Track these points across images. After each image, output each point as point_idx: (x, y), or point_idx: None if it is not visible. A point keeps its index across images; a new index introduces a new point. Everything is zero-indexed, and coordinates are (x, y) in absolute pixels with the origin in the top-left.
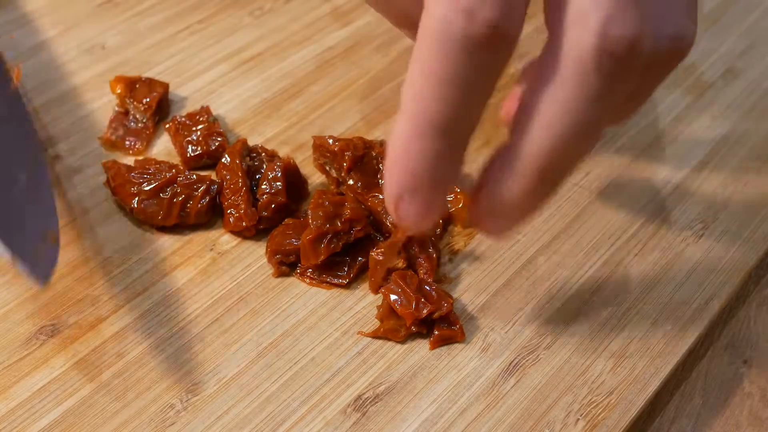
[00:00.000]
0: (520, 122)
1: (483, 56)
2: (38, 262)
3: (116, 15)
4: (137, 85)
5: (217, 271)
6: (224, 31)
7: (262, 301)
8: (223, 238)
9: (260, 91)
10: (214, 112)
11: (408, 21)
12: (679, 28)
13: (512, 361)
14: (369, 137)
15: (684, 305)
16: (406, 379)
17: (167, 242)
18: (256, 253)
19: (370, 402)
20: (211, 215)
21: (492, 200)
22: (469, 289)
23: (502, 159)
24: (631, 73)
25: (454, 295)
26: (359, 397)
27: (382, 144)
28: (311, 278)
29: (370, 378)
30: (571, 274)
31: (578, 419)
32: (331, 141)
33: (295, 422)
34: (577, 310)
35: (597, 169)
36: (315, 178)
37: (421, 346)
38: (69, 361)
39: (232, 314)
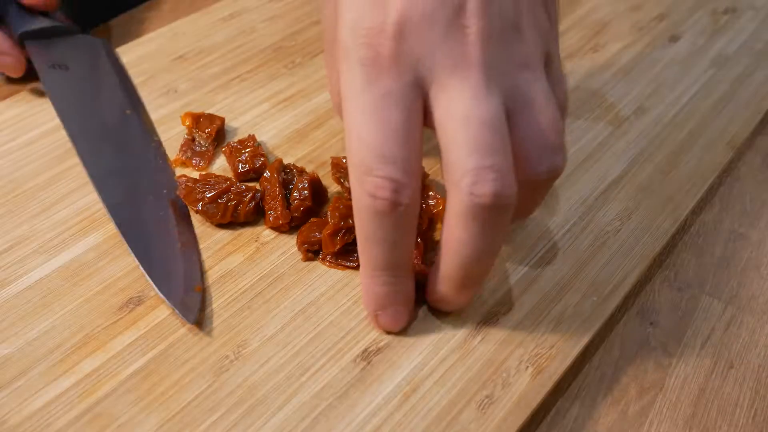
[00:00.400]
0: (442, 251)
1: (390, 219)
2: (188, 306)
3: (186, 67)
4: (201, 119)
5: (260, 257)
6: (266, 79)
7: (294, 279)
8: (265, 233)
9: (292, 123)
10: (258, 139)
11: None
12: (549, 163)
13: (478, 323)
14: None
15: (606, 282)
16: (400, 337)
17: (223, 236)
18: (289, 243)
19: (374, 354)
20: (256, 215)
21: (436, 296)
22: None
23: (436, 271)
24: (502, 210)
25: None
26: (365, 350)
27: None
28: (330, 262)
29: (373, 336)
30: (523, 257)
31: (528, 366)
32: (344, 160)
33: (318, 369)
34: (527, 285)
35: None
36: (333, 188)
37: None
38: (150, 323)
39: (272, 289)
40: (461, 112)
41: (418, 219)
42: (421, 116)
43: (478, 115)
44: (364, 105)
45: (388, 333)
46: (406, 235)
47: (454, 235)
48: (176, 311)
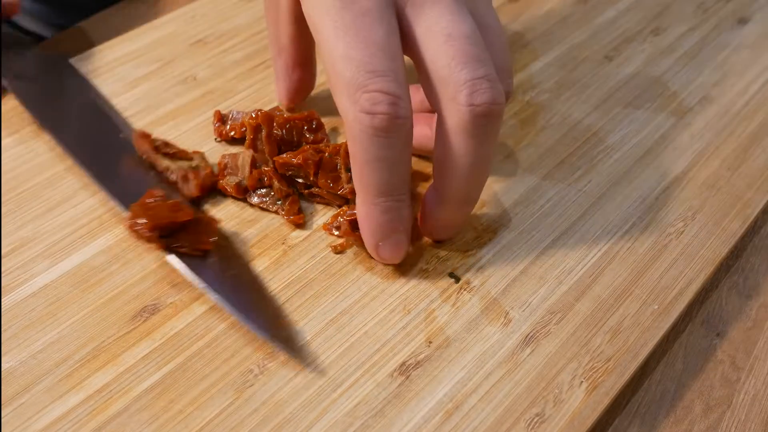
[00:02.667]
0: (439, 172)
1: (390, 135)
2: (286, 340)
3: (205, 52)
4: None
5: (288, 260)
6: None
7: (325, 285)
8: (293, 234)
9: (322, 115)
10: None
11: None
12: (507, 86)
13: (528, 334)
14: None
15: (668, 288)
16: (441, 349)
17: (248, 236)
18: (320, 246)
19: (413, 367)
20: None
21: (434, 222)
22: (493, 276)
23: (434, 196)
24: (498, 117)
25: (480, 281)
26: (403, 363)
27: (327, 143)
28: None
29: (412, 348)
30: (576, 263)
31: (582, 381)
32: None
33: (351, 384)
34: (581, 292)
35: (597, 177)
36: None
37: (456, 323)
38: (167, 334)
39: (300, 296)
40: (444, 30)
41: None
42: (398, 33)
43: (462, 31)
44: (346, 25)
45: (387, 265)
46: (405, 151)
47: (457, 150)
48: (274, 347)
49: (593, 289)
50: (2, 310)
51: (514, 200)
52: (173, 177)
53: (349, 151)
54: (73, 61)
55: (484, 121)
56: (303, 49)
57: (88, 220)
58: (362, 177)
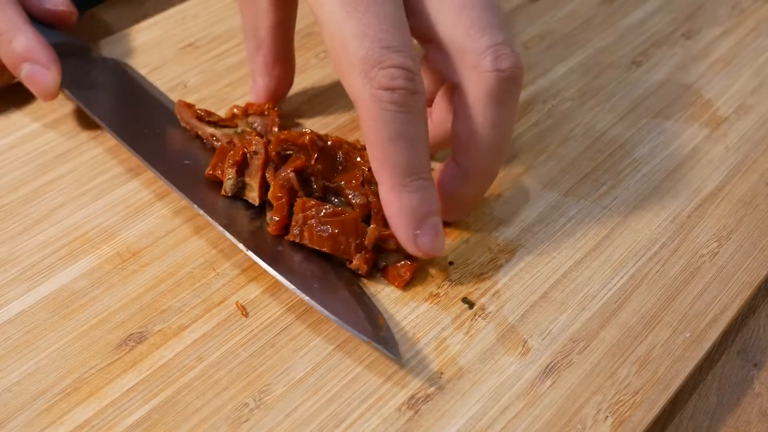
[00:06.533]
0: (463, 148)
1: (410, 111)
2: (387, 341)
3: (197, 57)
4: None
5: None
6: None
7: None
8: None
9: (326, 125)
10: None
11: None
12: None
13: (548, 365)
14: None
15: (701, 315)
16: (454, 380)
17: (241, 259)
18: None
19: (422, 401)
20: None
21: (457, 201)
22: (510, 301)
23: (454, 174)
24: (520, 82)
25: (496, 307)
26: (412, 396)
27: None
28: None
29: (422, 380)
30: (601, 287)
31: (607, 416)
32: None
33: (356, 419)
34: (606, 319)
35: (624, 193)
36: None
37: (469, 353)
38: (155, 365)
39: (300, 323)
40: (457, 0)
41: None
42: (404, 8)
43: (474, 0)
44: (355, 1)
45: (431, 257)
46: (425, 128)
47: (483, 120)
48: (379, 351)
49: (619, 315)
50: None
51: (533, 218)
52: (218, 144)
53: (367, 135)
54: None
55: (510, 86)
56: (284, 41)
57: (69, 240)
58: (385, 158)
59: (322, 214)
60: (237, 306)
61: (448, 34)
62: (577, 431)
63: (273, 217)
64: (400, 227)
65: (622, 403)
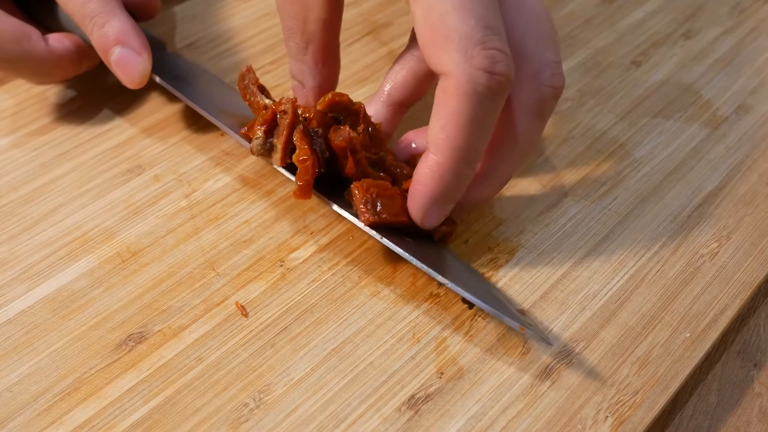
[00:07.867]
0: (494, 151)
1: (497, 99)
2: (535, 328)
3: (197, 57)
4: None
5: (286, 284)
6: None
7: (326, 312)
8: (291, 255)
9: None
10: None
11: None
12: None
13: (548, 365)
14: None
15: (701, 315)
16: (454, 380)
17: (242, 259)
18: (321, 268)
19: (422, 401)
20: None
21: (471, 201)
22: (510, 301)
23: (479, 175)
24: (557, 102)
25: None
26: (412, 396)
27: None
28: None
29: (422, 380)
30: (601, 287)
31: (607, 416)
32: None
33: (355, 419)
34: (606, 319)
35: (623, 194)
36: None
37: (469, 353)
38: (155, 365)
39: (300, 323)
40: (535, 9)
41: None
42: None
43: (546, 14)
44: None
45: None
46: (496, 118)
47: (522, 128)
48: (532, 337)
49: (619, 315)
50: None
51: (533, 218)
52: None
53: (444, 108)
54: None
55: (553, 103)
56: (335, 37)
57: (69, 240)
58: (454, 138)
59: (383, 191)
60: (237, 306)
61: (518, 36)
62: (577, 431)
63: (297, 182)
64: (419, 197)
65: (622, 403)
